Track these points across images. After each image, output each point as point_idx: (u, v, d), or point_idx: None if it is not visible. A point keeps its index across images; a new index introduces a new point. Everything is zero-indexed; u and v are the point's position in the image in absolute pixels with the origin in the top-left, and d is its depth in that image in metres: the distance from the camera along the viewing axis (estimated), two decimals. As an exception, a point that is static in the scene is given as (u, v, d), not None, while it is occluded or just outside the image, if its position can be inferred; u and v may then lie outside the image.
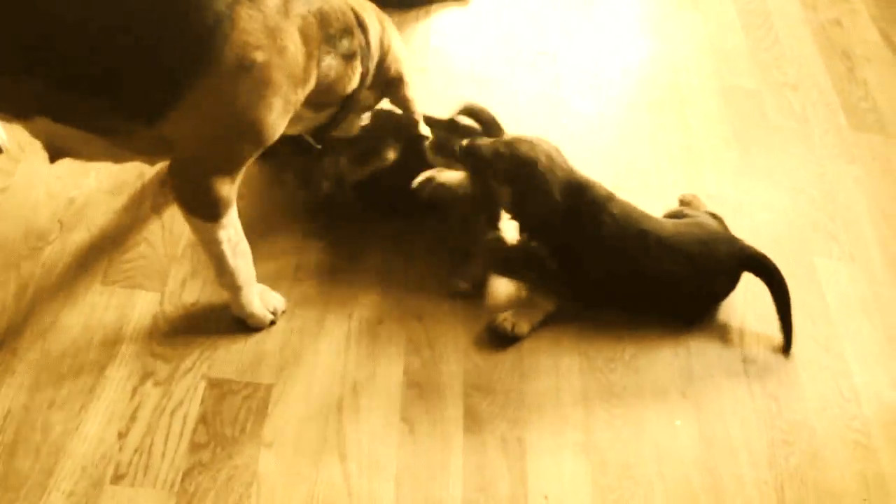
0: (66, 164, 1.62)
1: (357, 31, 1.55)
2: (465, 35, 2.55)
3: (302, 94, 1.47)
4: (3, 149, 1.71)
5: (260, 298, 1.70)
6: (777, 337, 1.88)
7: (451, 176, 1.82)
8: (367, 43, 1.59)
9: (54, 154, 1.52)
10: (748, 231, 2.07)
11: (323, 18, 1.46)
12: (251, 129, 1.42)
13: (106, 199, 1.88)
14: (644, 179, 2.21)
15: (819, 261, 2.06)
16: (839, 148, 2.39)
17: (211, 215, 1.50)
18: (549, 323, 1.83)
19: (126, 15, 1.29)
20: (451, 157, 1.81)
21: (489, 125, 1.97)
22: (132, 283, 1.75)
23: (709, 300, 1.91)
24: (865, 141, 2.42)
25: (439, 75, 2.39)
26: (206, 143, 1.42)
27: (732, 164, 2.29)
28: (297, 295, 1.80)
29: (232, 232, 1.55)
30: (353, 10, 1.56)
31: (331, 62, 1.50)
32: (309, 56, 1.44)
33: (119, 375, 1.62)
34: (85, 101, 1.35)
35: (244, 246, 1.60)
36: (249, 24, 1.34)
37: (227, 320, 1.73)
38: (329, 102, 1.60)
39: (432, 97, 2.27)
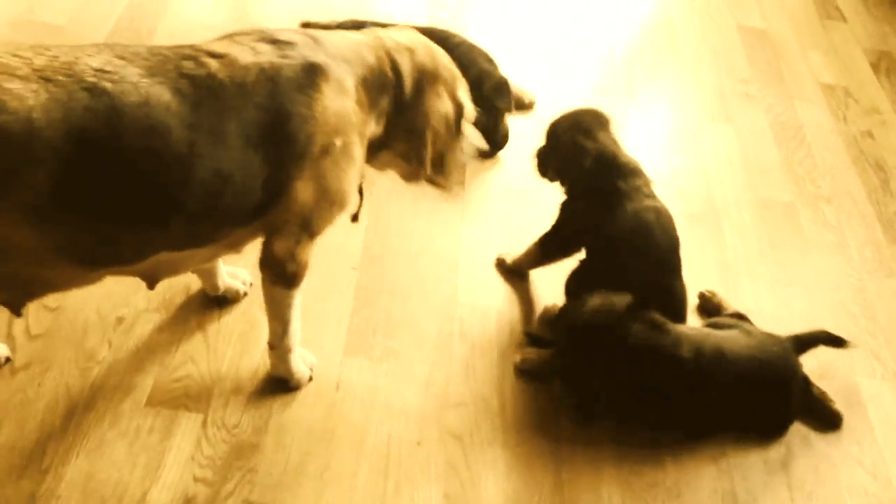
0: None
1: (390, 84, 1.67)
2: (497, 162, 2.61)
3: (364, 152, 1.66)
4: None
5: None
6: (827, 461, 1.85)
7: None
8: (400, 90, 1.68)
9: (153, 281, 1.63)
10: (788, 349, 2.06)
11: (366, 85, 1.61)
12: (341, 198, 1.61)
13: (154, 318, 1.93)
14: (681, 295, 2.21)
15: (862, 381, 2.04)
16: (877, 262, 2.39)
17: (295, 282, 1.66)
18: (588, 446, 1.82)
19: (235, 159, 1.46)
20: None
21: None
22: (176, 405, 1.78)
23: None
24: (903, 254, 2.42)
25: (476, 188, 2.44)
26: (303, 217, 1.59)
27: (769, 277, 2.30)
28: (336, 416, 1.81)
29: (300, 296, 1.71)
30: (388, 58, 1.66)
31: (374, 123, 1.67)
32: (364, 123, 1.62)
33: (162, 500, 1.63)
34: (208, 223, 1.49)
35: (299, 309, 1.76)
36: (326, 116, 1.52)
37: (269, 442, 1.74)
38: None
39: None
